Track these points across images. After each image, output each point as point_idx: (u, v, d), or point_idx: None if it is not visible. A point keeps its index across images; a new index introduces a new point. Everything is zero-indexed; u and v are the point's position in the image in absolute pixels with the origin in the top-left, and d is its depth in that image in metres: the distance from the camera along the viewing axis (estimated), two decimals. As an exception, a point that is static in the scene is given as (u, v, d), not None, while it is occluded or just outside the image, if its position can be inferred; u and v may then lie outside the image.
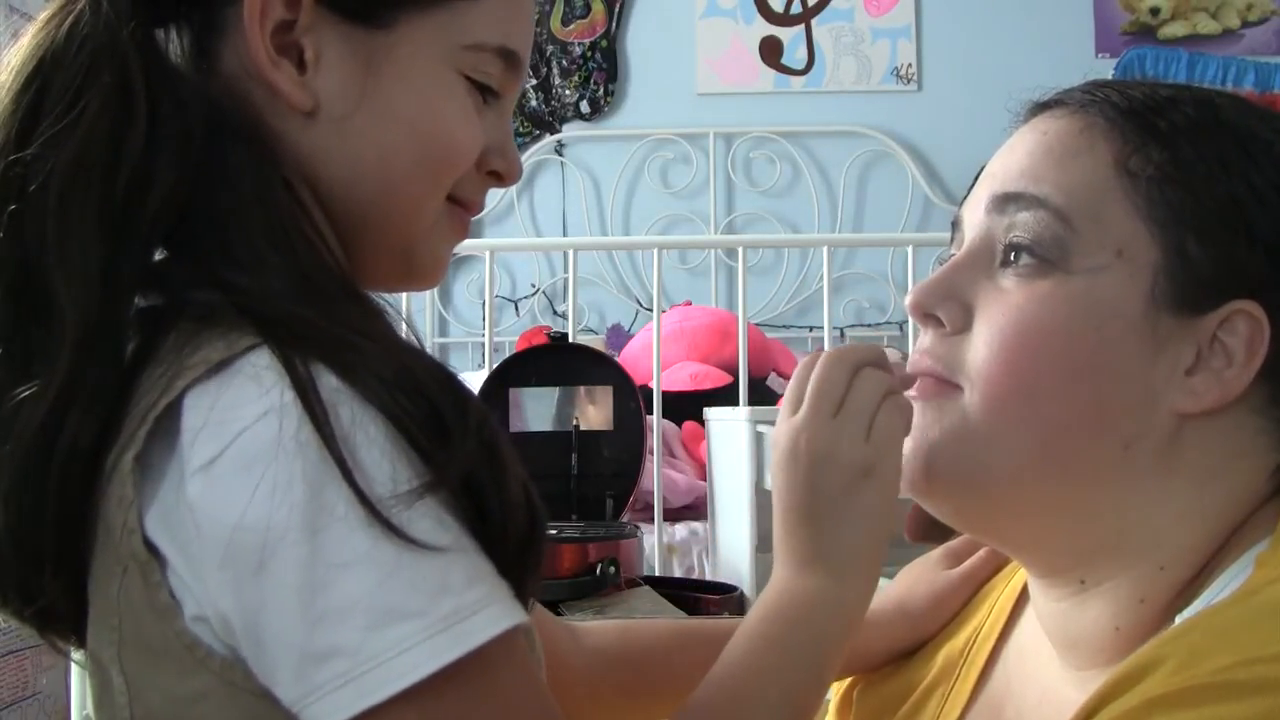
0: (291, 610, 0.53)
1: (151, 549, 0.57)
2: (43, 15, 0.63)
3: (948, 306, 0.68)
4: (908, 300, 0.70)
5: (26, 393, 0.59)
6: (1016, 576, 0.79)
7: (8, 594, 0.63)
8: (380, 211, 0.67)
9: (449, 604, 0.54)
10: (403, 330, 0.65)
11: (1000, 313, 0.66)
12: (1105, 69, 3.99)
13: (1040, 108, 0.71)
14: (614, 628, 0.90)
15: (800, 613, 0.67)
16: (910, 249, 2.49)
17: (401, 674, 0.52)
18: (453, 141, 0.67)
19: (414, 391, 0.57)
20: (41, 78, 0.61)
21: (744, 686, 0.65)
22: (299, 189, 0.65)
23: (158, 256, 0.63)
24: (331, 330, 0.58)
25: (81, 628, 0.64)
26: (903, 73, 4.16)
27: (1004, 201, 0.68)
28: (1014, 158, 0.69)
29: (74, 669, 2.00)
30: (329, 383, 0.56)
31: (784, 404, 0.70)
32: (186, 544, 0.56)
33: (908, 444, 0.68)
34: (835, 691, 0.89)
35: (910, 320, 0.73)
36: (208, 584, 0.56)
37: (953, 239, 0.73)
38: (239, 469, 0.54)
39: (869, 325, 4.00)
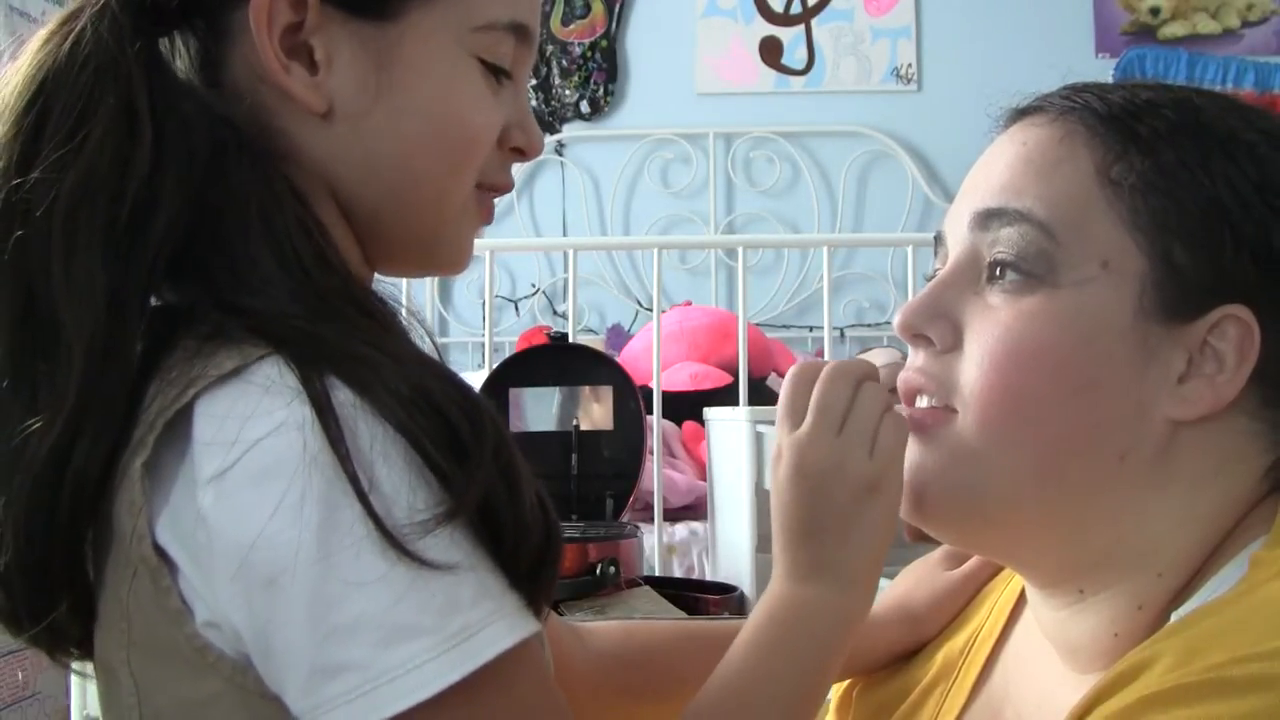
0: (302, 625, 0.53)
1: (161, 554, 0.57)
2: (42, 33, 0.61)
3: (937, 326, 0.68)
4: (896, 321, 0.70)
5: (34, 425, 0.58)
6: (1017, 578, 0.79)
7: (21, 621, 0.63)
8: (402, 204, 0.66)
9: (458, 621, 0.54)
10: (424, 341, 0.64)
11: (989, 332, 0.66)
12: (1105, 69, 3.99)
13: (1019, 114, 0.70)
14: (617, 629, 0.90)
15: (804, 622, 0.67)
16: (910, 249, 2.49)
17: (411, 691, 0.53)
18: (471, 126, 0.66)
19: (430, 409, 0.56)
20: (44, 99, 0.59)
21: (747, 693, 0.65)
22: (315, 194, 0.64)
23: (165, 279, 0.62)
24: (346, 345, 0.57)
25: (87, 642, 0.64)
26: (903, 73, 4.16)
27: (986, 218, 0.67)
28: (994, 171, 0.68)
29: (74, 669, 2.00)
30: (344, 398, 0.55)
31: (781, 417, 0.70)
32: (198, 553, 0.56)
33: (906, 472, 0.68)
34: (835, 692, 0.89)
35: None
36: (219, 594, 0.56)
37: (936, 253, 0.73)
38: (251, 482, 0.54)
39: (869, 325, 4.00)
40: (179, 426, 0.57)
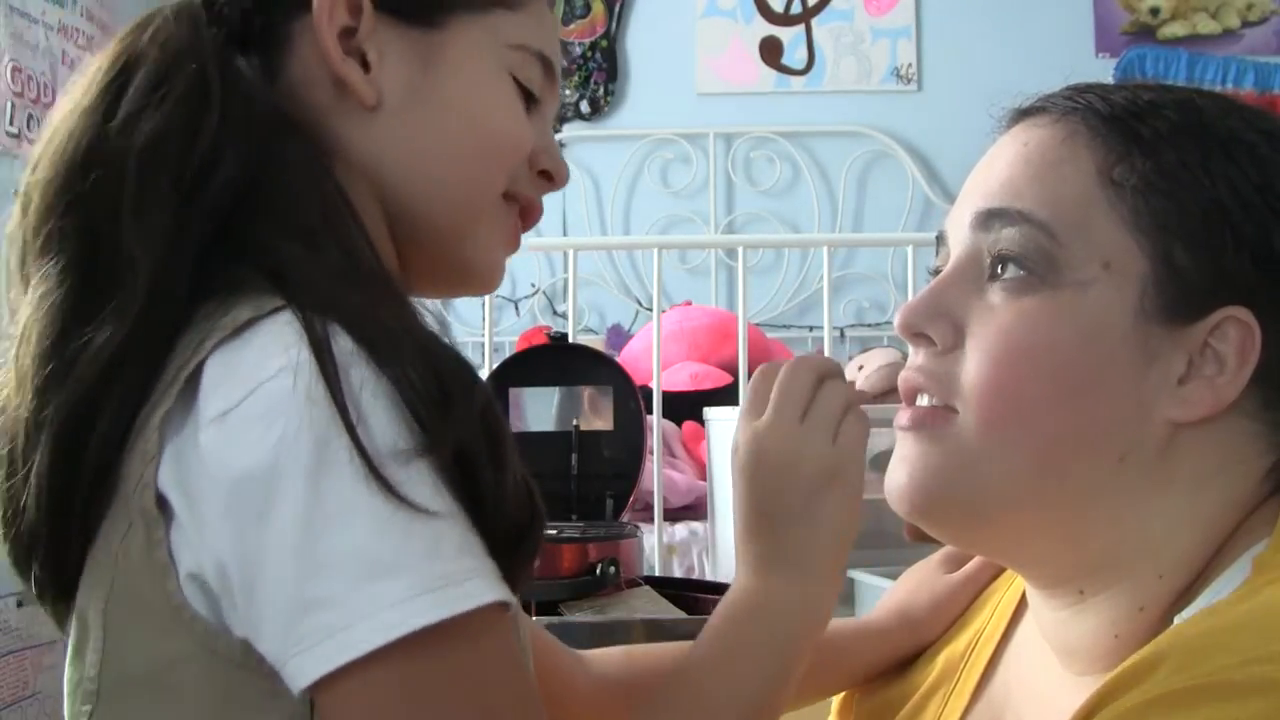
0: (287, 558, 0.54)
1: (161, 505, 0.59)
2: (121, 31, 0.68)
3: (938, 325, 0.68)
4: (896, 321, 0.70)
5: (96, 336, 0.61)
6: (1019, 580, 0.79)
7: (35, 554, 0.64)
8: (439, 201, 0.70)
9: (439, 568, 0.55)
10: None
11: (990, 331, 0.66)
12: (1105, 69, 3.99)
13: (1021, 114, 0.70)
14: (619, 653, 0.91)
15: (763, 614, 0.68)
16: (910, 249, 2.49)
17: (385, 628, 0.53)
18: (507, 129, 0.71)
19: (427, 369, 0.58)
20: (126, 70, 0.65)
21: (704, 685, 0.66)
22: (359, 192, 0.67)
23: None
24: (359, 304, 0.60)
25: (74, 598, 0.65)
26: (903, 73, 4.16)
27: (988, 218, 0.67)
28: (995, 171, 0.68)
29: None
30: (344, 345, 0.57)
31: (743, 411, 0.71)
32: (195, 492, 0.57)
33: (904, 473, 0.68)
34: (836, 696, 0.89)
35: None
36: (211, 531, 0.57)
37: (938, 252, 0.73)
38: (252, 420, 0.56)
39: (869, 325, 4.00)
40: (196, 378, 0.59)
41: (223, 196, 0.63)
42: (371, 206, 0.68)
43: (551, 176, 0.75)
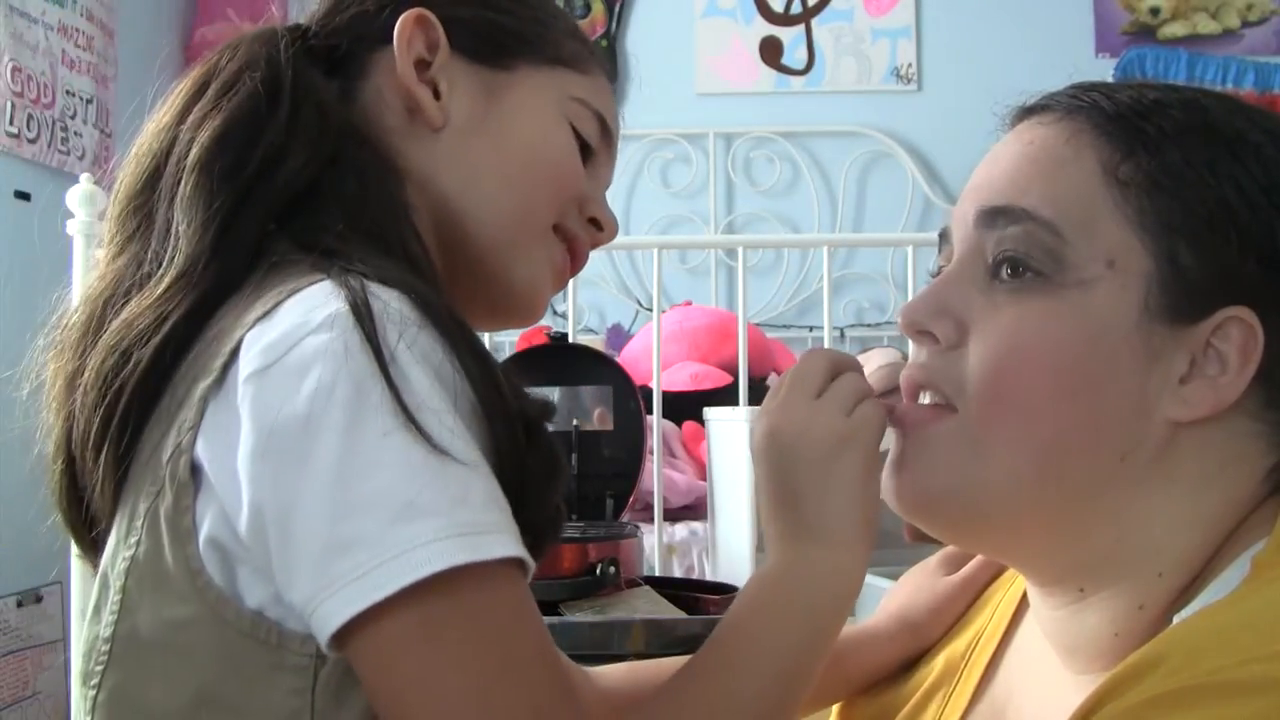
0: (322, 501, 0.56)
1: (194, 473, 0.61)
2: (206, 55, 0.74)
3: (941, 322, 0.68)
4: (899, 318, 0.70)
5: (142, 299, 0.66)
6: (1019, 580, 0.79)
7: (73, 504, 0.69)
8: (490, 219, 0.74)
9: (467, 515, 0.56)
10: None
11: (994, 329, 0.65)
12: (1105, 69, 3.99)
13: (1026, 113, 0.70)
14: (623, 669, 0.92)
15: (786, 584, 0.68)
16: (910, 249, 2.48)
17: (414, 567, 0.54)
18: (560, 162, 0.76)
19: (464, 333, 0.62)
20: (204, 86, 0.71)
21: (734, 650, 0.67)
22: (417, 207, 0.71)
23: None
24: (398, 273, 0.63)
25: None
26: (903, 73, 4.16)
27: (991, 216, 0.67)
28: (999, 169, 0.68)
29: (73, 669, 2.00)
30: (382, 299, 0.60)
31: (765, 401, 0.72)
32: (229, 446, 0.59)
33: (904, 472, 0.68)
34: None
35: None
36: (245, 478, 0.58)
37: (941, 250, 0.73)
38: (291, 372, 0.58)
39: (869, 325, 4.00)
40: (236, 354, 0.61)
41: (286, 189, 0.67)
42: (428, 226, 0.72)
43: (601, 226, 0.79)
